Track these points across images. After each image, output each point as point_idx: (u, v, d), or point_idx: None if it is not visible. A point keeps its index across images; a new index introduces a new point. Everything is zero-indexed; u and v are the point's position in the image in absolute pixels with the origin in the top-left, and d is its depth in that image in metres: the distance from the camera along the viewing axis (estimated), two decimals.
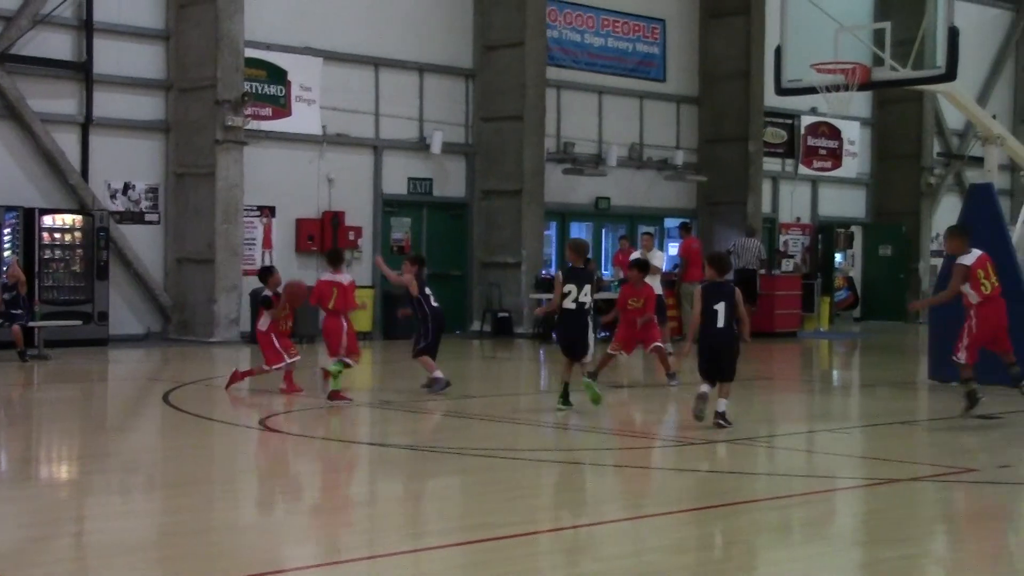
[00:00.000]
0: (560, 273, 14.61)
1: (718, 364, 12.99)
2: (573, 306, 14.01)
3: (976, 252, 14.04)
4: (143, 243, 23.73)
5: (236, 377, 16.14)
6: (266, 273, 16.57)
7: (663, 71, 31.01)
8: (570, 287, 14.07)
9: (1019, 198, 25.99)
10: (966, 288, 13.95)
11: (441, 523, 9.04)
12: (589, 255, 15.23)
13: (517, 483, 10.54)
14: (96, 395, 17.32)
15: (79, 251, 22.43)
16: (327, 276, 15.98)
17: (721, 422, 12.89)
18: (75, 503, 9.73)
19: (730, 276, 16.49)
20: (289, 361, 15.80)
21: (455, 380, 15.91)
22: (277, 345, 15.78)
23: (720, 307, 12.91)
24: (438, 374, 15.75)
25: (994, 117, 22.18)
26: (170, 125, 23.97)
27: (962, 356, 14.00)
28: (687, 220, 28.84)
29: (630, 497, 10.17)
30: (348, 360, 15.53)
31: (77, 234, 22.37)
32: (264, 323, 15.90)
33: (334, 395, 14.92)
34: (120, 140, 23.50)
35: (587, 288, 14.11)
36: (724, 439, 12.54)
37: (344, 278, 15.96)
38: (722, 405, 13.00)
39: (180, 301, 23.90)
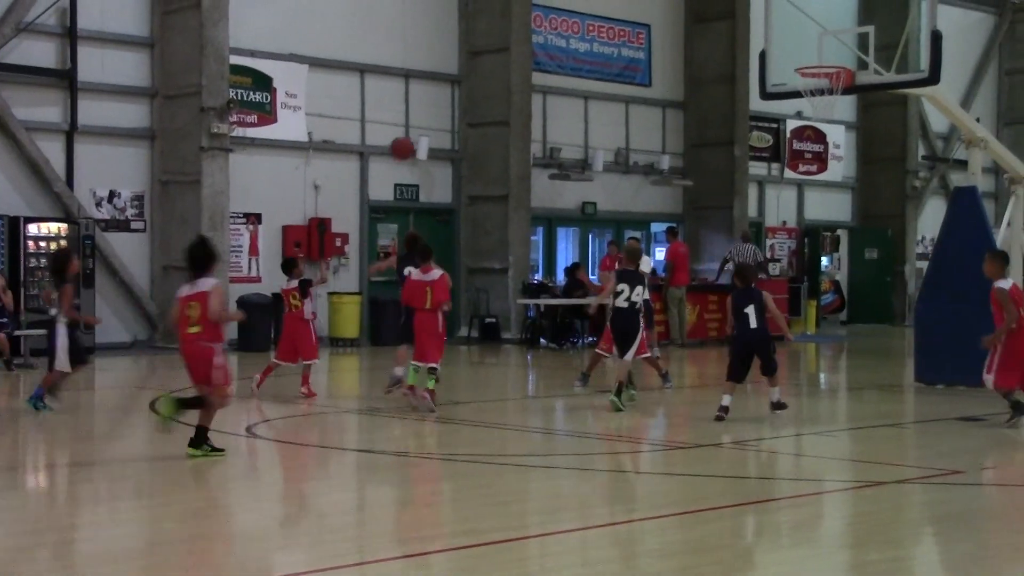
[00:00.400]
0: (614, 274, 15.69)
1: (750, 362, 14.14)
2: (625, 304, 14.95)
3: (1010, 280, 14.23)
4: (129, 251, 23.69)
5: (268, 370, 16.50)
6: (291, 264, 16.88)
7: (648, 76, 31.06)
8: (623, 286, 15.01)
9: (1003, 201, 26.04)
10: (1009, 311, 13.90)
11: (429, 529, 9.04)
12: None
13: (505, 488, 10.55)
14: (82, 404, 17.26)
15: None
16: (416, 276, 15.33)
17: (778, 409, 14.12)
18: (62, 512, 9.71)
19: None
20: (316, 360, 16.28)
21: (442, 386, 15.89)
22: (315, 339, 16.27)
23: (750, 310, 14.02)
24: None
25: (978, 120, 22.23)
26: (155, 132, 23.94)
27: (990, 382, 14.05)
28: (674, 224, 28.89)
29: (618, 501, 10.17)
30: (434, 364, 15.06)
31: (62, 242, 22.31)
32: (309, 311, 16.25)
33: (430, 393, 14.77)
34: (105, 148, 23.47)
35: (639, 288, 15.03)
36: (711, 443, 12.56)
37: (435, 274, 15.26)
38: (775, 395, 14.15)
39: (167, 309, 23.75)
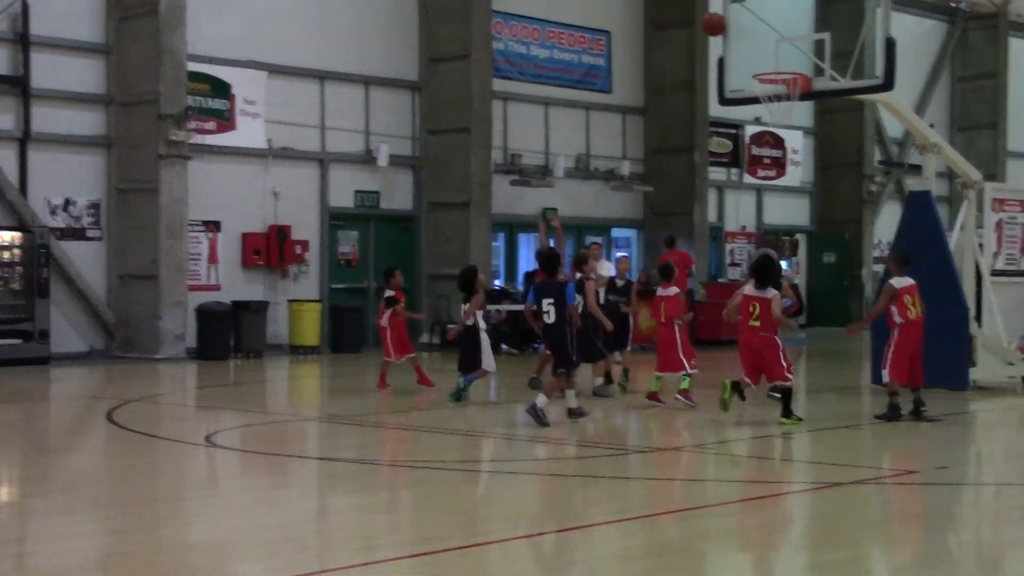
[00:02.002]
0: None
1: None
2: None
3: (909, 280, 14.96)
4: (85, 259, 23.53)
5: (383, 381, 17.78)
6: (387, 275, 18.19)
7: (609, 82, 31.15)
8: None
9: (957, 205, 26.26)
10: (894, 310, 14.84)
11: (390, 536, 9.03)
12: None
13: (467, 495, 10.56)
14: (38, 414, 17.14)
15: (18, 268, 22.20)
16: (660, 292, 15.96)
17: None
18: (17, 525, 9.64)
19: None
20: (395, 360, 17.65)
21: (402, 394, 15.89)
22: (389, 341, 17.68)
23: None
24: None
25: (932, 126, 22.41)
26: (112, 140, 23.80)
27: (886, 376, 14.92)
28: (672, 236, 29.07)
29: (578, 506, 10.19)
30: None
31: (16, 251, 22.16)
32: (385, 319, 17.71)
33: (684, 394, 15.59)
34: (60, 155, 23.31)
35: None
36: (671, 447, 12.60)
37: (672, 291, 15.99)
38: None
39: (124, 318, 23.72)
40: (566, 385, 14.54)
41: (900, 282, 14.93)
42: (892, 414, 14.48)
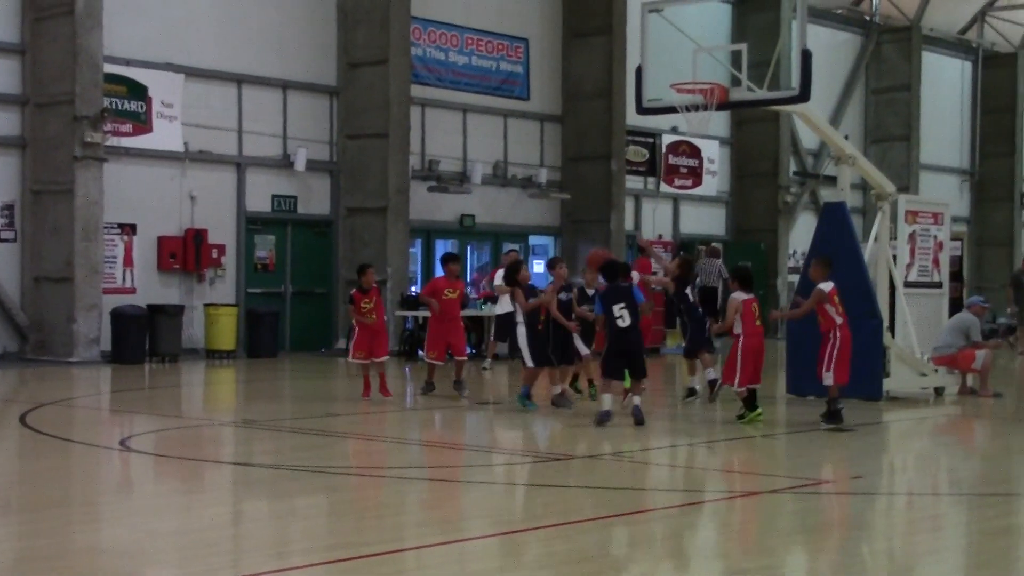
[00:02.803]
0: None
1: None
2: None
3: (831, 283, 15.18)
4: None
5: (382, 388, 17.15)
6: (360, 272, 17.33)
7: (527, 89, 31.25)
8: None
9: (871, 216, 26.64)
10: (831, 310, 15.04)
11: (305, 542, 9.00)
12: None
13: (382, 501, 10.55)
14: None
15: None
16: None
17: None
18: None
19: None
20: (362, 361, 16.87)
21: (319, 399, 15.83)
22: (353, 341, 17.08)
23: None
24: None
25: (846, 137, 22.72)
26: (26, 141, 23.49)
27: (831, 377, 15.00)
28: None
29: (495, 513, 10.22)
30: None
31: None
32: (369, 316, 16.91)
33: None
34: None
35: None
36: (588, 455, 12.66)
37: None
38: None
39: (38, 321, 23.41)
40: (609, 389, 14.88)
41: (827, 285, 15.13)
42: (837, 419, 14.76)
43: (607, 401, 14.67)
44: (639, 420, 14.50)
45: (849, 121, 39.87)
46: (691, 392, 17.27)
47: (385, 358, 17.55)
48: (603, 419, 14.47)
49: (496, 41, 30.55)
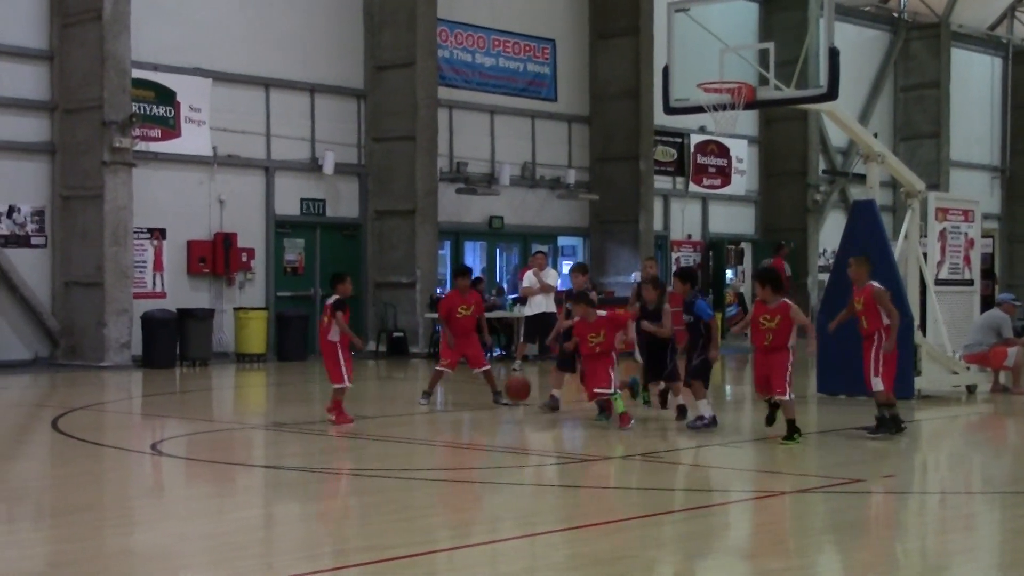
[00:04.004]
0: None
1: None
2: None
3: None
4: (29, 267, 23.33)
5: (338, 413, 14.96)
6: (336, 279, 15.37)
7: (554, 91, 31.24)
8: None
9: (901, 214, 26.51)
10: (882, 311, 13.91)
11: (336, 545, 9.01)
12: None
13: (413, 503, 10.55)
14: None
15: None
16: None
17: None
18: None
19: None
20: (349, 384, 14.96)
21: (349, 401, 15.82)
22: (342, 361, 14.82)
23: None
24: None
25: (875, 135, 22.66)
26: (56, 147, 23.62)
27: (881, 383, 13.81)
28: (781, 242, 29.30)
29: (523, 515, 10.20)
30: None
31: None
32: (335, 334, 14.85)
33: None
34: (3, 162, 23.13)
35: None
36: (618, 456, 12.65)
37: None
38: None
39: (68, 325, 23.53)
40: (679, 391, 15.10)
41: (881, 286, 14.10)
42: (893, 425, 13.78)
43: (705, 407, 14.41)
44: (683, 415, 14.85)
45: (878, 118, 39.71)
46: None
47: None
48: (709, 424, 14.35)
49: (523, 42, 30.55)
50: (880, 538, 9.32)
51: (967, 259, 19.85)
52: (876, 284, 14.09)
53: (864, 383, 14.15)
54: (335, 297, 14.95)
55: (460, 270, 18.36)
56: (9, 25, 23.23)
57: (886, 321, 13.86)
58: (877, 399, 13.88)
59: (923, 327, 18.53)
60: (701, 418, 14.41)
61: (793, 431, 13.43)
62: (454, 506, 10.64)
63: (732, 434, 14.82)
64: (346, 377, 14.79)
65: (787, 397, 13.44)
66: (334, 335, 14.83)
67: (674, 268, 33.53)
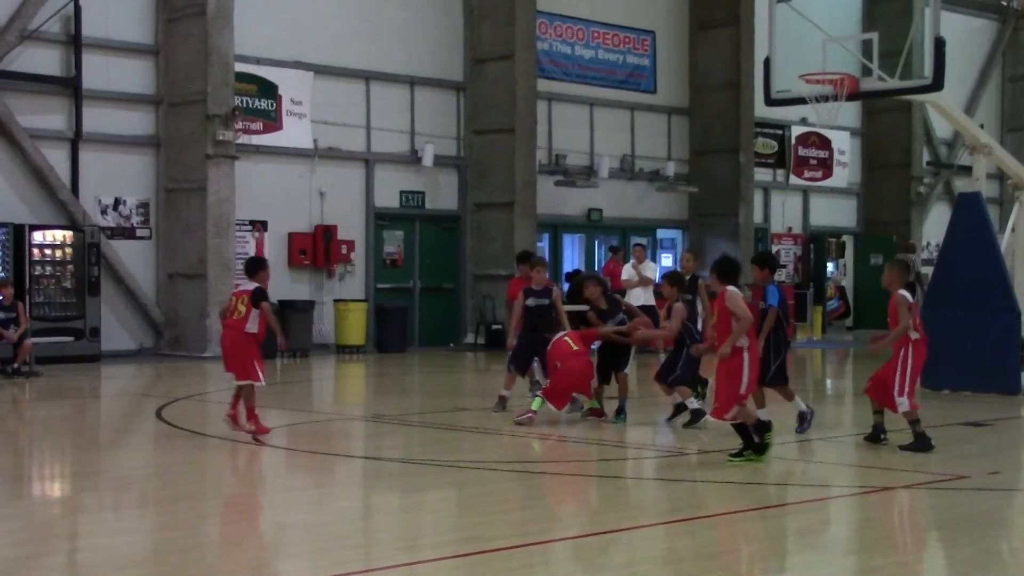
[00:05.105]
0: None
1: None
2: None
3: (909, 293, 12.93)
4: (134, 258, 23.71)
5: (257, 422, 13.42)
6: (257, 266, 13.90)
7: (653, 82, 31.07)
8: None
9: (1008, 206, 26.03)
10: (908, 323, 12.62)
11: (435, 536, 9.04)
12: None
13: (511, 495, 10.55)
14: (88, 411, 17.30)
15: (70, 267, 22.39)
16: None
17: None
18: (67, 520, 9.72)
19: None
20: (264, 382, 13.39)
21: (448, 394, 15.89)
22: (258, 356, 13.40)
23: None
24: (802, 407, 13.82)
25: (981, 126, 22.24)
26: (160, 140, 23.97)
27: (906, 403, 12.49)
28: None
29: (623, 508, 10.17)
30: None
31: (68, 250, 22.33)
32: (254, 326, 13.37)
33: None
34: (110, 155, 23.50)
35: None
36: (719, 449, 12.55)
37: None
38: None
39: (172, 316, 23.88)
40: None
41: (908, 295, 12.76)
42: (926, 444, 12.43)
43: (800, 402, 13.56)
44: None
45: (984, 109, 38.96)
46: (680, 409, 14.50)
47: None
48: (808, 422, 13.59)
49: (622, 34, 30.43)
50: (986, 536, 9.14)
51: None
52: (902, 292, 12.74)
53: (959, 378, 13.49)
54: (256, 286, 13.45)
55: (522, 255, 17.54)
56: (116, 21, 23.60)
57: (915, 336, 12.58)
58: (908, 418, 12.56)
59: None
60: (803, 417, 13.58)
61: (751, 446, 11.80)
62: (552, 499, 10.62)
63: (834, 428, 14.65)
64: (260, 374, 13.24)
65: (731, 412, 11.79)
66: (252, 326, 13.26)
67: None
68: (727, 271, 12.04)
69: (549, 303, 15.26)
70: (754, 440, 11.68)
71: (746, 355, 11.65)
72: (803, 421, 13.68)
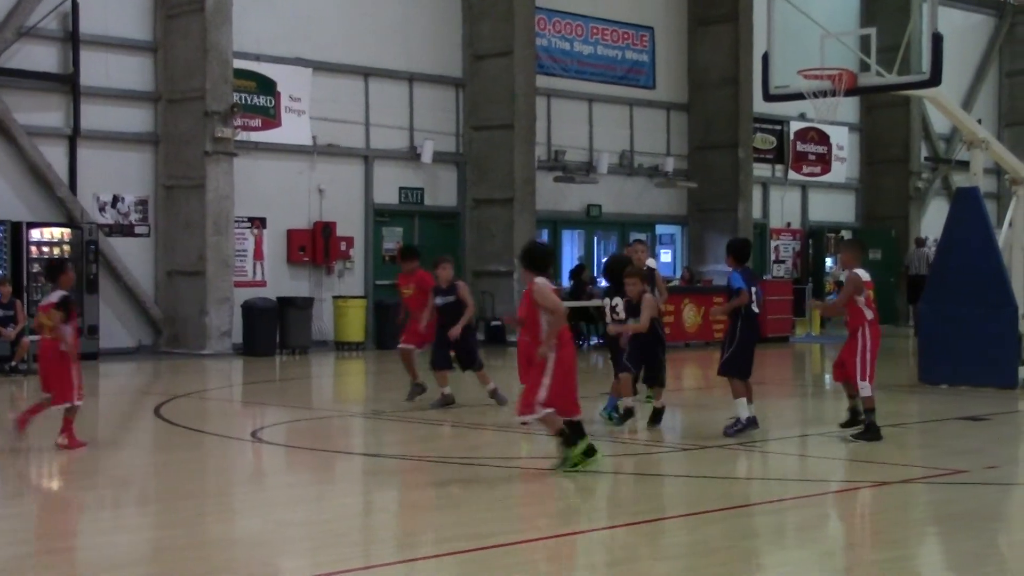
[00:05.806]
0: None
1: None
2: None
3: (866, 272, 12.97)
4: (133, 256, 23.72)
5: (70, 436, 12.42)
6: (58, 270, 12.65)
7: (652, 78, 31.08)
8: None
9: (1005, 201, 26.04)
10: (861, 303, 12.79)
11: (434, 533, 9.05)
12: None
13: (509, 492, 10.56)
14: (87, 409, 17.23)
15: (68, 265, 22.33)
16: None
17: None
18: (67, 518, 9.73)
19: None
20: (79, 402, 12.40)
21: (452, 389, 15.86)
22: (73, 373, 12.30)
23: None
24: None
25: (979, 121, 22.26)
26: (159, 137, 23.97)
27: (868, 387, 12.69)
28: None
29: (622, 504, 10.18)
30: None
31: (66, 247, 22.31)
32: (66, 342, 12.23)
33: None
34: (108, 152, 23.50)
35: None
36: (718, 444, 12.57)
37: None
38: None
39: (171, 314, 23.89)
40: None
41: (865, 273, 12.85)
42: (873, 432, 12.68)
43: (745, 407, 13.01)
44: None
45: (982, 104, 38.97)
46: (629, 414, 13.99)
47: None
48: (748, 426, 13.11)
49: (621, 30, 30.43)
50: (984, 530, 9.16)
51: None
52: (857, 271, 12.80)
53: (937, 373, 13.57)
54: (59, 293, 12.32)
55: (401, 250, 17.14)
56: (115, 17, 23.59)
57: (869, 315, 12.72)
58: (865, 405, 12.71)
59: None
60: (737, 421, 13.02)
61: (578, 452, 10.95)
62: (553, 495, 10.63)
63: (832, 423, 14.66)
64: (76, 393, 12.26)
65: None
66: (64, 343, 12.19)
67: (773, 257, 33.30)
68: (534, 261, 10.87)
69: (456, 300, 15.52)
70: (573, 442, 10.77)
71: (551, 359, 10.61)
72: (737, 424, 13.10)
